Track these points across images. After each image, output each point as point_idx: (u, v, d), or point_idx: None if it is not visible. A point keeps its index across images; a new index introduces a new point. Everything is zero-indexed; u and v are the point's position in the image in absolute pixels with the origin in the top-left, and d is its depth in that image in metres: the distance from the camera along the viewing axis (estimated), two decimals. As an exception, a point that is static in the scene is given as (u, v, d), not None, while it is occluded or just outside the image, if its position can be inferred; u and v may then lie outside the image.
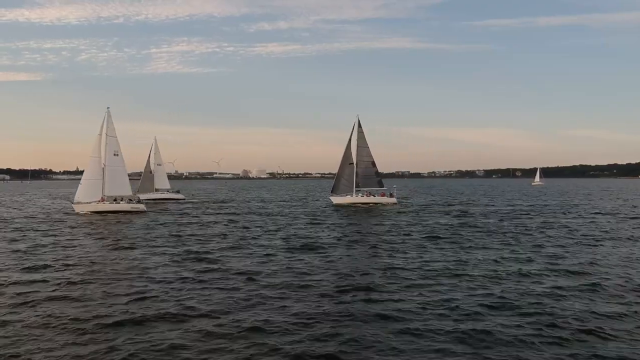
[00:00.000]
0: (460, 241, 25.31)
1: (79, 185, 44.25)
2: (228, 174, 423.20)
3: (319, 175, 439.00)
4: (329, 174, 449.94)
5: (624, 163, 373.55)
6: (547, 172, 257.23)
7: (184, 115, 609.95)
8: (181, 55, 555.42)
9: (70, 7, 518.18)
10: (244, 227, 32.83)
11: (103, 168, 43.83)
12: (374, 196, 55.59)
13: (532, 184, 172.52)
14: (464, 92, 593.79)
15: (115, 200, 44.39)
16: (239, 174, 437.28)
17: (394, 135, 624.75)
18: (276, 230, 30.94)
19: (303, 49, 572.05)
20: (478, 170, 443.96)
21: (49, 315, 12.02)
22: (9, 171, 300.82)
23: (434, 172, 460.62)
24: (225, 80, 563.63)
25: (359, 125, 54.65)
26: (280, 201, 68.52)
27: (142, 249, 22.87)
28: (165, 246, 23.91)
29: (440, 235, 27.68)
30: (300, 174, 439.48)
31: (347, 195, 54.78)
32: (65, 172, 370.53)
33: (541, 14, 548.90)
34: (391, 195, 56.59)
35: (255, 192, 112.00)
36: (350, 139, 54.79)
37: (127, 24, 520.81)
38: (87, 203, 43.28)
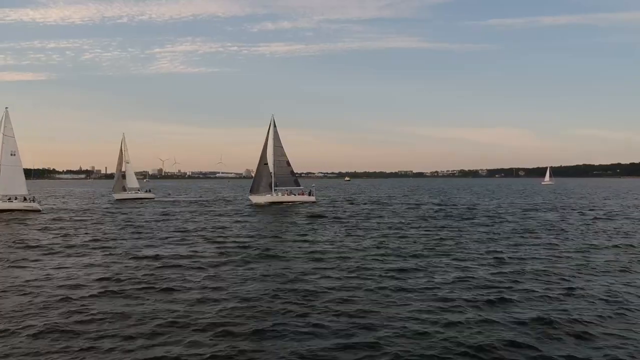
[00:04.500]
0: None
1: (-25, 185, 44.03)
2: (231, 173, 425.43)
3: (322, 174, 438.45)
4: (332, 173, 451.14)
5: (628, 163, 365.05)
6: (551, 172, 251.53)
7: (187, 114, 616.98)
8: (184, 55, 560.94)
9: (74, 7, 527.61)
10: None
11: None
12: (294, 195, 55.02)
13: (542, 183, 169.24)
14: (468, 91, 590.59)
15: (9, 199, 44.15)
16: (241, 173, 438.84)
17: (397, 134, 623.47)
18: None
19: (307, 49, 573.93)
20: (481, 169, 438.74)
21: None
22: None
23: (436, 172, 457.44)
24: (228, 80, 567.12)
25: (274, 125, 54.31)
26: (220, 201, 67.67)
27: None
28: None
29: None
30: (303, 173, 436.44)
31: (266, 194, 54.01)
32: (68, 172, 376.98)
33: (546, 14, 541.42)
34: (310, 194, 56.26)
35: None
36: (267, 139, 54.11)
37: (130, 23, 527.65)
38: (-20, 202, 43.06)
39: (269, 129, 54.29)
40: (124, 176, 66.66)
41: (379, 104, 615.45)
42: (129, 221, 36.07)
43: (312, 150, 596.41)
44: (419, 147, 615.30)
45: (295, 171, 56.88)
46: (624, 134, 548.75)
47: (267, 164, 53.77)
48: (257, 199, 54.48)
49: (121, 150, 66.40)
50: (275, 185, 54.22)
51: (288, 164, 55.01)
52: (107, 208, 51.45)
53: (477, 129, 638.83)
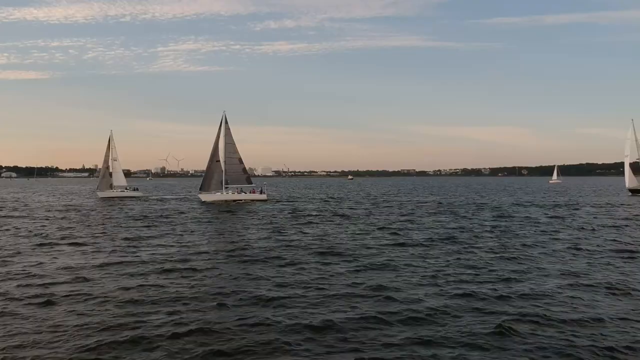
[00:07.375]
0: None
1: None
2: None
3: (325, 173, 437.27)
4: (334, 172, 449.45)
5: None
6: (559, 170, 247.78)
7: (190, 113, 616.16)
8: (187, 54, 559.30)
9: (78, 6, 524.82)
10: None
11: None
12: (245, 193, 54.21)
13: (550, 182, 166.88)
14: (471, 90, 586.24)
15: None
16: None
17: (401, 133, 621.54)
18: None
19: (310, 48, 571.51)
20: (484, 168, 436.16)
21: None
22: (15, 169, 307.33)
23: (439, 171, 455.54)
24: (231, 79, 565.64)
25: (226, 122, 53.56)
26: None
27: None
28: None
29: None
30: (306, 172, 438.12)
31: (216, 192, 52.84)
32: (71, 170, 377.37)
33: (549, 12, 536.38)
34: (262, 192, 55.70)
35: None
36: (218, 136, 53.13)
37: (134, 22, 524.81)
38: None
39: (220, 125, 53.15)
40: (110, 174, 65.01)
41: (381, 102, 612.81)
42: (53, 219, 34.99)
43: (314, 149, 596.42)
44: (421, 145, 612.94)
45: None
46: (625, 133, 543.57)
47: (219, 161, 52.66)
48: (207, 197, 53.06)
49: (108, 147, 63.87)
50: (227, 183, 52.99)
51: (240, 161, 53.83)
52: (58, 207, 48.48)
53: (478, 127, 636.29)
